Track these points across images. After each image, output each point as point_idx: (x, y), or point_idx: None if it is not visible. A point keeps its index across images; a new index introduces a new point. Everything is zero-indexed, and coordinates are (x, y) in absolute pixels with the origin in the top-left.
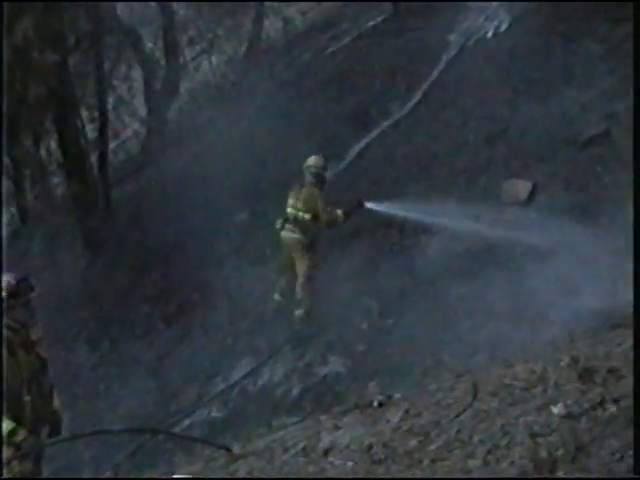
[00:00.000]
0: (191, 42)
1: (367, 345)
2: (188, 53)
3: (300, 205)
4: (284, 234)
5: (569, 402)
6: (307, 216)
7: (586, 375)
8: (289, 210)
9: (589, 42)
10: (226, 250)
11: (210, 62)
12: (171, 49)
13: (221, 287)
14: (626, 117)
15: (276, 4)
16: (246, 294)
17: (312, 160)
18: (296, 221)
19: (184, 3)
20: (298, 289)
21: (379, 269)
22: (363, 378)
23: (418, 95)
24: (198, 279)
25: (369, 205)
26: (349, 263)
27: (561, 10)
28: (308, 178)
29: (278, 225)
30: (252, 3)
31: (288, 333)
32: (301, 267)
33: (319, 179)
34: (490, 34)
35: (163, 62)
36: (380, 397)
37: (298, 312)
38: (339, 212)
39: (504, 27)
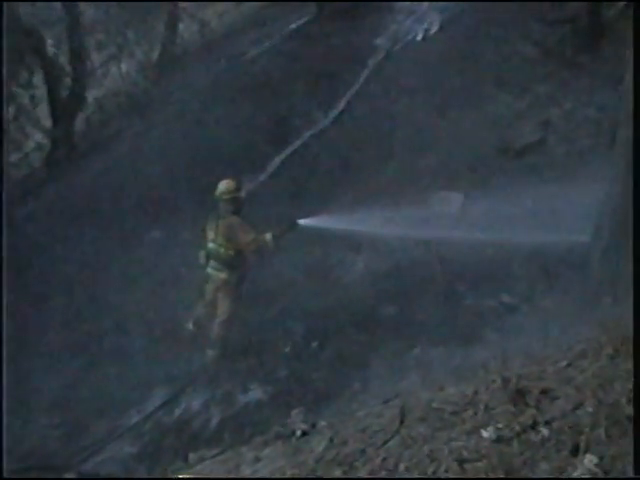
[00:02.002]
0: (99, 46)
1: (290, 370)
2: (96, 58)
3: (221, 240)
4: (210, 271)
5: (500, 425)
6: (231, 252)
7: (518, 397)
8: (210, 246)
9: (523, 45)
10: (138, 271)
11: (120, 68)
12: (77, 54)
13: (133, 311)
14: (562, 124)
15: (190, 6)
16: (161, 318)
17: (223, 186)
18: (220, 258)
19: (92, 4)
20: (215, 328)
21: (303, 289)
22: (286, 406)
23: (342, 103)
24: (108, 303)
25: (304, 222)
26: (270, 283)
27: (494, 12)
28: (223, 207)
29: (202, 260)
30: (165, 5)
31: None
32: (223, 307)
33: (236, 204)
34: (419, 37)
35: (68, 68)
36: (303, 425)
37: (211, 352)
38: (267, 237)
39: (434, 30)
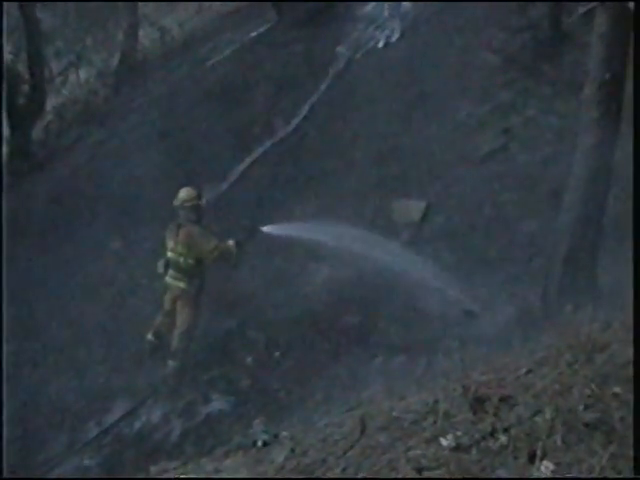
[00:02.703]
0: (58, 54)
1: (252, 380)
2: (54, 66)
3: (181, 249)
4: (169, 280)
5: (459, 433)
6: (190, 261)
7: (477, 404)
8: (170, 255)
9: (485, 53)
10: (98, 281)
11: (78, 76)
12: (35, 61)
13: (93, 322)
14: (524, 132)
15: (150, 13)
16: (121, 329)
17: (184, 194)
18: (179, 267)
19: (49, 11)
20: (175, 339)
21: (265, 299)
22: (248, 416)
23: (304, 111)
24: (68, 314)
25: (266, 229)
26: (232, 293)
27: (456, 19)
28: (184, 215)
29: (160, 269)
30: (125, 12)
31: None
32: (182, 317)
33: (196, 212)
34: (381, 44)
35: (27, 75)
36: (265, 436)
37: (171, 363)
38: (230, 244)
39: (395, 37)
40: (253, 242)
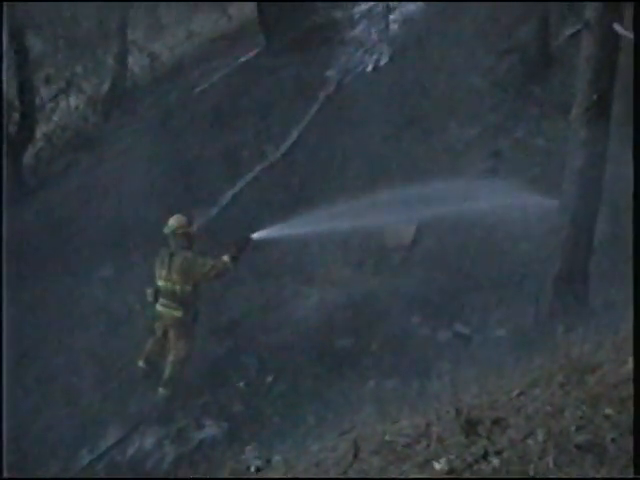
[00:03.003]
0: (48, 81)
1: (245, 406)
2: (44, 93)
3: (176, 276)
4: (161, 309)
5: (452, 457)
6: (187, 287)
7: (470, 427)
8: (162, 284)
9: (473, 76)
10: (90, 308)
11: (69, 103)
12: (26, 88)
13: (85, 349)
14: (512, 154)
15: (140, 40)
16: (113, 356)
17: (175, 222)
18: (175, 296)
19: (40, 38)
20: (168, 368)
21: (256, 323)
22: (241, 442)
23: (294, 135)
24: (60, 341)
25: (257, 236)
26: (224, 318)
27: (444, 43)
28: (176, 243)
29: (150, 298)
30: (115, 38)
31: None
32: (177, 346)
33: (188, 239)
34: (370, 68)
35: (17, 102)
36: (258, 461)
37: (162, 391)
38: (225, 259)
39: (384, 61)
40: (247, 251)
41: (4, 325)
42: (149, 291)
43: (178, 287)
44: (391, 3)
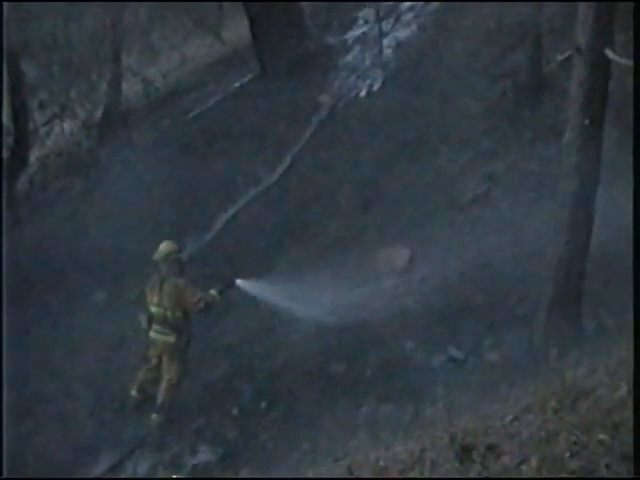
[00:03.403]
0: (42, 106)
1: (239, 431)
2: (38, 118)
3: (167, 302)
4: (155, 336)
5: None
6: (178, 313)
7: (464, 453)
8: (154, 310)
9: (465, 100)
10: (83, 333)
11: (62, 128)
12: (20, 113)
13: (79, 374)
14: (506, 178)
15: (134, 65)
16: (107, 381)
17: (166, 248)
18: (167, 322)
19: (34, 63)
20: (162, 394)
21: (250, 348)
22: (235, 467)
23: (287, 160)
24: (53, 366)
25: (240, 283)
26: (217, 343)
27: (437, 67)
28: (167, 268)
29: (144, 324)
30: (109, 63)
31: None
32: (170, 372)
33: (178, 265)
34: (363, 94)
35: (11, 127)
36: None
37: (155, 418)
38: (213, 292)
39: (377, 86)
40: (231, 292)
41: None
42: (142, 318)
43: (169, 313)
44: (384, 28)
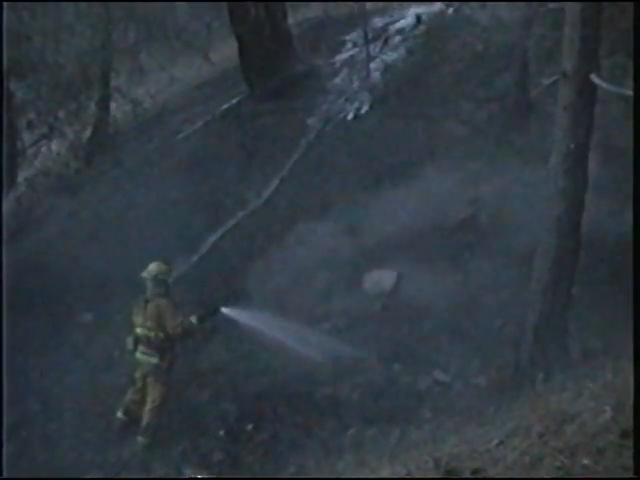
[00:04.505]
0: (30, 126)
1: (225, 454)
2: (26, 138)
3: (150, 323)
4: (140, 357)
5: None
6: (162, 335)
7: (449, 477)
8: (139, 331)
9: (453, 124)
10: (69, 354)
11: (50, 148)
12: (8, 134)
13: (65, 395)
14: (493, 201)
15: (123, 86)
16: (92, 402)
17: (156, 268)
18: (150, 343)
19: (23, 83)
20: (146, 416)
21: (237, 371)
22: None
23: (275, 182)
24: (38, 387)
25: (225, 311)
26: (203, 365)
27: (424, 91)
28: (151, 288)
29: (130, 346)
30: (97, 84)
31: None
32: (154, 393)
33: (164, 286)
34: (351, 116)
35: None
36: None
37: (141, 440)
38: (192, 319)
39: (365, 109)
40: (214, 319)
41: None
42: (129, 339)
43: (153, 334)
44: (372, 51)
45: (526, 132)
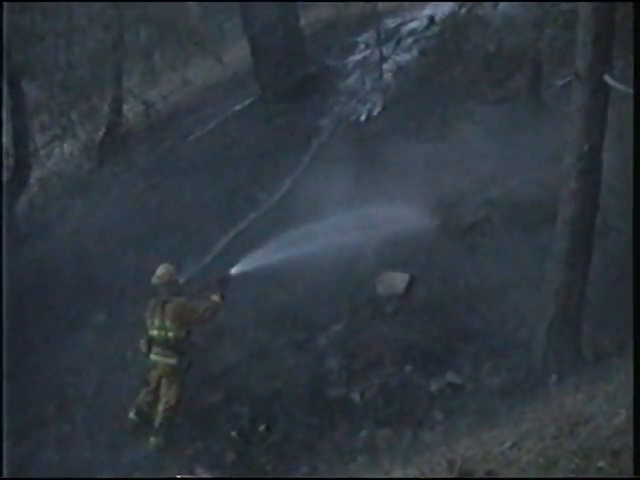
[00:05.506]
0: (43, 127)
1: (237, 455)
2: (39, 139)
3: (170, 323)
4: (155, 358)
5: None
6: (182, 333)
7: (463, 479)
8: (156, 333)
9: (466, 125)
10: (82, 355)
11: (63, 149)
12: (20, 135)
13: (78, 396)
14: (504, 203)
15: (135, 87)
16: (106, 403)
17: (164, 272)
18: (168, 344)
19: (35, 84)
20: (160, 416)
21: (249, 372)
22: None
23: (287, 184)
24: (52, 388)
25: (235, 271)
26: (216, 367)
27: (437, 92)
28: (166, 291)
29: (144, 348)
30: (109, 85)
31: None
32: (169, 394)
33: (177, 286)
34: (363, 118)
35: (12, 149)
36: None
37: (154, 440)
38: (215, 298)
39: (377, 110)
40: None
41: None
42: (142, 342)
43: (172, 334)
44: (385, 52)
45: (539, 133)
